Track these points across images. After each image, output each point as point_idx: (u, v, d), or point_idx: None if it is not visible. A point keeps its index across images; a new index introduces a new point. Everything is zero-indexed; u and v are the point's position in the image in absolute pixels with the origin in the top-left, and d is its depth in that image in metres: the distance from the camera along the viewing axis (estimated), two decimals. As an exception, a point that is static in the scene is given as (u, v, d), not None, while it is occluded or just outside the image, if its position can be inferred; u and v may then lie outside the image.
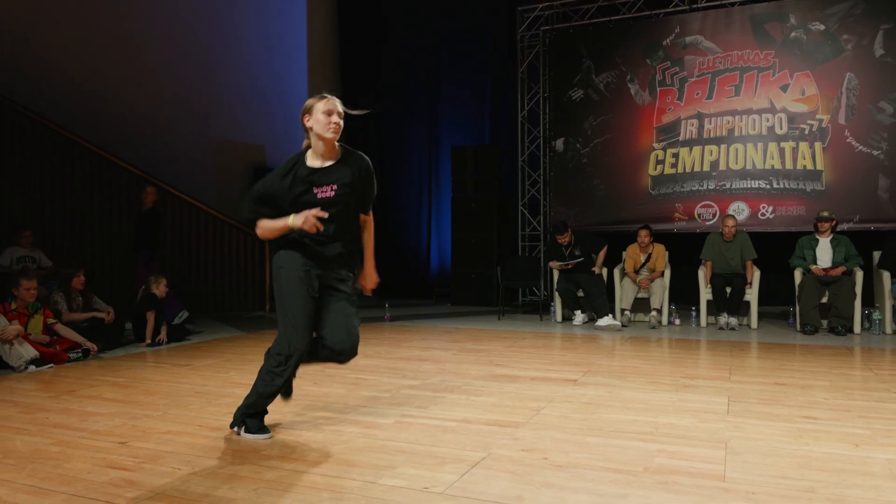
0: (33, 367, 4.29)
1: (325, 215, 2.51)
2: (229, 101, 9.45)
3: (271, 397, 2.70)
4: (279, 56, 10.14)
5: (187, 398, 3.47)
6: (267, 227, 2.60)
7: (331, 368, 4.25)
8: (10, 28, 7.21)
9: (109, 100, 8.03)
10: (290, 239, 2.61)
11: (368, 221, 2.81)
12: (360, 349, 5.19)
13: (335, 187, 2.59)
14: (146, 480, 2.23)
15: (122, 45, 8.27)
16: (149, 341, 5.34)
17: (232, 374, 4.12)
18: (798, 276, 6.15)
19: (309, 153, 2.64)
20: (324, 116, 2.54)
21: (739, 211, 7.46)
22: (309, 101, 2.62)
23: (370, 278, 2.80)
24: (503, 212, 8.75)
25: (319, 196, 2.57)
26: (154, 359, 4.80)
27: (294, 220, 2.50)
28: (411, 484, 2.17)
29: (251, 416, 2.74)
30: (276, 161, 9.88)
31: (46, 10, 7.55)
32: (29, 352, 4.29)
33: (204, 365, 4.48)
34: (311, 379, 3.94)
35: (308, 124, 2.60)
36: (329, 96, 2.61)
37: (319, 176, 2.59)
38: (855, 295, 5.85)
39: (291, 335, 2.56)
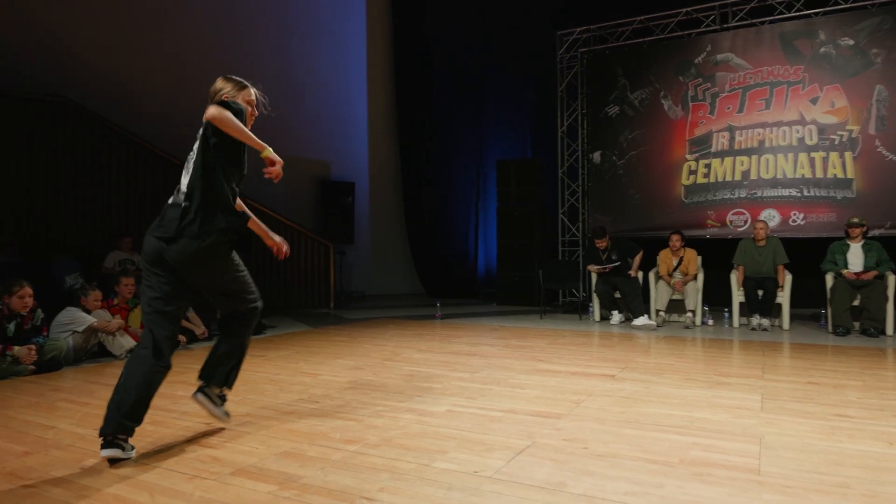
0: (133, 355, 4.48)
1: None
2: (300, 123, 9.69)
3: None
4: (343, 84, 10.37)
5: (263, 385, 3.56)
6: None
7: (390, 361, 4.28)
8: (112, 68, 7.66)
9: (198, 123, 8.35)
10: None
11: None
12: (414, 344, 5.21)
13: None
14: (228, 457, 2.29)
15: (210, 76, 8.59)
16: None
17: (301, 365, 4.20)
18: (829, 279, 5.84)
19: None
20: None
21: (771, 218, 7.15)
22: None
23: None
24: (543, 220, 8.68)
25: None
26: (234, 350, 4.93)
27: None
28: (462, 468, 2.15)
29: None
30: (340, 175, 10.07)
31: (143, 52, 8.00)
32: (129, 342, 4.49)
33: (277, 356, 4.58)
34: (370, 371, 3.97)
35: None
36: None
37: None
38: (887, 298, 5.52)
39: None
